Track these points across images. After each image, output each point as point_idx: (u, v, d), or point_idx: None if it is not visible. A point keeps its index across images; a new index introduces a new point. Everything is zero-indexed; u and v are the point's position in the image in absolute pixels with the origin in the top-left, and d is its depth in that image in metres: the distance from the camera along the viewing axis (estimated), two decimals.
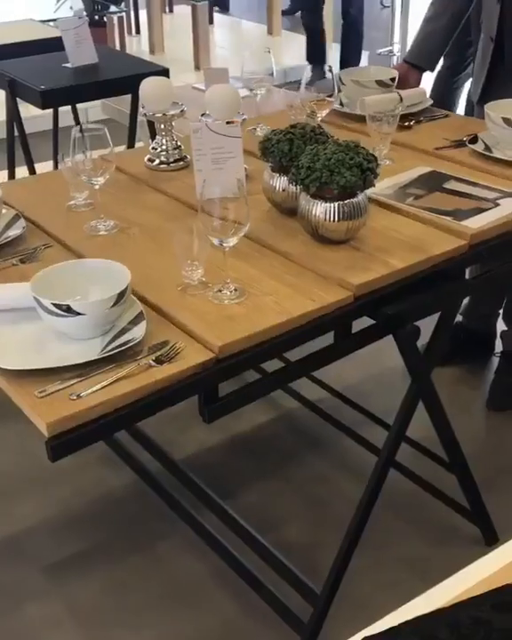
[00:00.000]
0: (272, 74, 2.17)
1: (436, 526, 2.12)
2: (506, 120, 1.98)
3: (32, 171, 2.94)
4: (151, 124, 2.85)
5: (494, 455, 2.39)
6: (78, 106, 3.67)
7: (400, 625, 0.84)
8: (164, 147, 2.03)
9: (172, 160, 2.03)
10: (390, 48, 5.58)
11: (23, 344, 1.39)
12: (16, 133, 2.99)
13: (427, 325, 1.64)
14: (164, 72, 2.76)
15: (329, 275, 1.55)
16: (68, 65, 2.95)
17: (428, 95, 2.43)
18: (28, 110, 3.00)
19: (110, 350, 1.34)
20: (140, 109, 2.07)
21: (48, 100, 2.80)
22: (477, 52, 2.43)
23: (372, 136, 1.97)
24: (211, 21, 6.53)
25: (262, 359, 1.46)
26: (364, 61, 5.37)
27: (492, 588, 0.89)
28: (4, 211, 1.80)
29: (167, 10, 7.16)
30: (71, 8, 4.73)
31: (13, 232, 1.75)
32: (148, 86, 2.01)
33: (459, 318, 2.76)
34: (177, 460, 2.24)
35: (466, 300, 2.73)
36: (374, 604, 1.87)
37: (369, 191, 1.64)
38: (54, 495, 2.27)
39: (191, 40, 5.73)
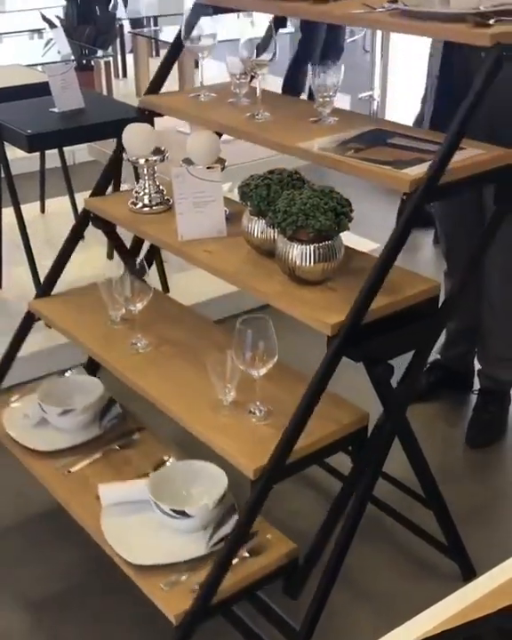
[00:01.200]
0: (214, 39, 2.11)
1: (414, 562, 2.15)
2: None
3: (18, 212, 2.99)
4: (135, 168, 2.91)
5: (472, 491, 2.43)
6: (65, 148, 3.74)
7: None
8: (146, 190, 2.09)
9: (154, 203, 2.09)
10: (371, 93, 5.70)
11: (141, 537, 1.73)
12: (2, 175, 3.05)
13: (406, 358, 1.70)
14: (149, 119, 2.82)
15: (306, 316, 1.61)
16: (55, 109, 3.01)
17: None
18: (14, 152, 3.06)
19: (214, 545, 1.69)
20: (124, 155, 2.13)
21: (34, 143, 2.86)
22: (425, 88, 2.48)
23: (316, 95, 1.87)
24: (196, 65, 6.64)
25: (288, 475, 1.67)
26: (345, 104, 5.48)
27: (465, 622, 0.93)
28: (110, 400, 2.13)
29: (154, 54, 7.29)
30: (59, 52, 4.81)
31: (111, 418, 2.12)
32: (130, 132, 2.07)
33: (437, 356, 2.82)
34: None
35: (442, 339, 2.79)
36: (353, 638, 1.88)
37: (308, 146, 1.71)
38: (40, 528, 2.28)
39: (177, 84, 5.85)
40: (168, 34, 6.42)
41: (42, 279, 3.05)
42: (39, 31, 6.04)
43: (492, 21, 1.54)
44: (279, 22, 2.24)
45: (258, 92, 1.96)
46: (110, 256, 3.49)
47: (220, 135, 2.05)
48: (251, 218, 1.79)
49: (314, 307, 1.62)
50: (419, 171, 1.58)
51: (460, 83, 2.25)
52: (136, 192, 2.10)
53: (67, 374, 2.32)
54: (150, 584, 1.64)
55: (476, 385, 2.78)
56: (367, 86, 5.75)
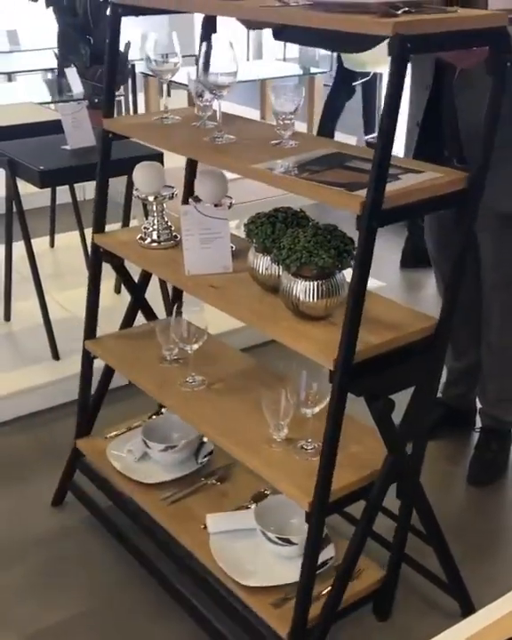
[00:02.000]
0: (177, 62, 2.08)
1: (414, 598, 2.14)
2: None
3: (29, 246, 3.05)
4: (145, 205, 2.97)
5: (473, 529, 2.43)
6: (76, 184, 3.81)
7: None
8: (155, 226, 2.14)
9: (162, 239, 2.13)
10: (376, 135, 5.79)
11: (248, 561, 1.92)
12: (14, 210, 3.11)
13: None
14: (158, 156, 2.89)
15: (309, 351, 1.64)
16: (67, 147, 3.08)
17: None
18: (26, 187, 3.12)
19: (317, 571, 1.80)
20: (134, 191, 2.18)
21: (46, 179, 2.93)
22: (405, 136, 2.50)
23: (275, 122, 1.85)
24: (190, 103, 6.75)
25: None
26: (352, 142, 5.56)
27: None
28: (203, 438, 2.30)
29: (163, 94, 7.41)
30: (70, 92, 4.91)
31: (206, 454, 2.29)
32: (140, 171, 2.13)
33: (438, 395, 2.83)
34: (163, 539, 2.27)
35: (443, 379, 2.81)
36: None
37: (263, 167, 1.69)
38: (38, 563, 2.29)
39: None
40: (180, 75, 6.55)
41: (50, 312, 3.12)
42: (53, 70, 6.17)
43: (400, 11, 1.47)
44: (209, 28, 2.20)
45: (218, 114, 1.93)
46: (118, 290, 3.53)
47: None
48: (256, 254, 1.83)
49: (317, 342, 1.65)
50: None
51: (445, 132, 2.30)
52: (145, 228, 2.15)
53: (163, 412, 2.48)
54: (260, 603, 1.84)
55: (478, 423, 2.80)
56: (374, 128, 5.84)
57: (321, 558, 1.82)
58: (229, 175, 2.14)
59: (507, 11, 1.85)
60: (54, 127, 3.19)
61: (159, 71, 2.09)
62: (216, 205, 1.96)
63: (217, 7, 1.85)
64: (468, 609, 2.07)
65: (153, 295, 2.60)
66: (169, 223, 2.15)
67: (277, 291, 1.77)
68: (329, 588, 1.85)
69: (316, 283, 1.67)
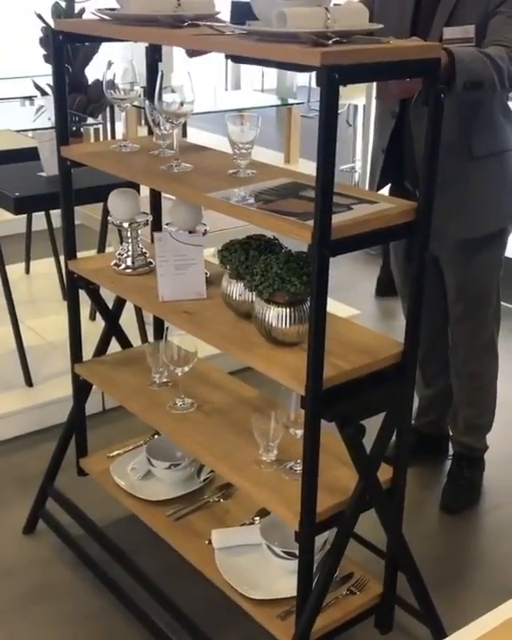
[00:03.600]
0: (138, 86, 2.07)
1: None
2: None
3: (3, 273, 3.05)
4: (120, 231, 2.99)
5: (446, 557, 2.44)
6: (51, 212, 3.82)
7: None
8: (129, 253, 2.15)
9: (137, 265, 2.15)
10: (353, 165, 5.86)
11: (254, 575, 1.95)
12: None
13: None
14: (134, 184, 2.91)
15: (281, 377, 1.65)
16: (43, 174, 3.10)
17: None
18: (1, 214, 3.13)
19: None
20: (109, 218, 2.19)
21: (21, 206, 2.94)
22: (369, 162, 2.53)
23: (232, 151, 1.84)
24: (184, 135, 6.82)
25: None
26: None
27: None
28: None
29: (142, 123, 7.47)
30: (49, 119, 4.93)
31: (207, 473, 2.31)
32: (115, 197, 2.14)
33: (411, 421, 2.85)
34: (141, 568, 2.25)
35: (415, 406, 2.82)
36: None
37: (217, 196, 1.69)
38: (8, 594, 2.26)
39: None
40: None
41: (24, 339, 3.11)
42: (30, 98, 6.20)
43: (330, 42, 1.45)
44: (154, 56, 2.20)
45: (175, 142, 1.94)
46: (93, 317, 3.53)
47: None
48: (230, 281, 1.85)
49: (289, 368, 1.66)
50: None
51: (408, 157, 2.33)
52: (119, 254, 2.16)
53: None
54: (266, 615, 1.87)
55: (451, 450, 2.82)
56: (348, 159, 5.91)
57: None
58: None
59: (458, 39, 1.88)
60: (31, 154, 3.20)
61: (124, 99, 2.09)
62: (191, 232, 1.97)
63: (155, 36, 1.86)
64: (440, 635, 2.07)
65: (128, 322, 2.60)
66: (143, 250, 2.16)
67: (250, 317, 1.78)
68: (331, 600, 1.90)
69: (288, 309, 1.69)
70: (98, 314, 2.76)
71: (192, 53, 2.06)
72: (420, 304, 1.75)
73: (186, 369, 2.11)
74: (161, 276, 1.96)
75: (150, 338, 3.25)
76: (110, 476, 2.33)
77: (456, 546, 2.50)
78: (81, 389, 2.40)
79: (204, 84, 9.18)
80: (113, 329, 2.42)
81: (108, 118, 6.93)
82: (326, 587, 1.81)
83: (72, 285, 2.28)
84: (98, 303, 2.35)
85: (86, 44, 5.87)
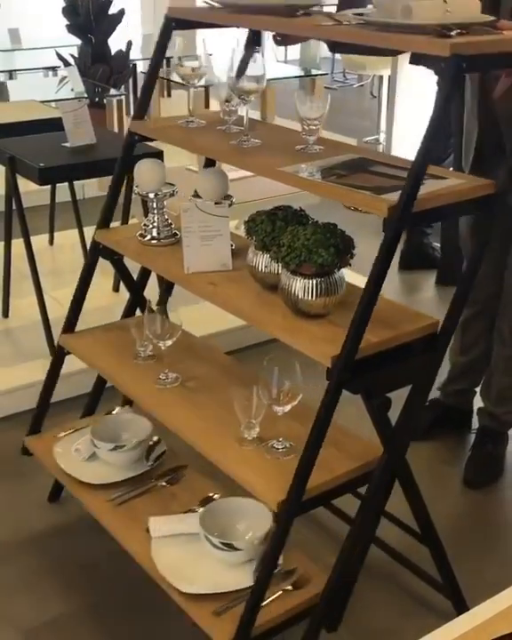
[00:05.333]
0: (205, 66, 2.13)
1: (408, 598, 2.15)
2: None
3: (28, 243, 3.05)
4: (144, 202, 2.98)
5: (468, 530, 2.44)
6: (75, 183, 3.82)
7: None
8: (155, 224, 2.14)
9: (162, 236, 2.14)
10: (377, 136, 5.81)
11: (191, 567, 1.84)
12: (14, 207, 3.11)
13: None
14: (158, 154, 2.90)
15: (307, 348, 1.64)
16: (67, 144, 3.09)
17: None
18: (26, 185, 3.13)
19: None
20: (134, 189, 2.18)
21: (46, 176, 2.93)
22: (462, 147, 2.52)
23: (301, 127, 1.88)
24: (207, 106, 6.78)
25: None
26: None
27: None
28: (155, 438, 2.25)
29: (165, 94, 7.43)
30: (72, 90, 4.92)
31: (158, 454, 2.22)
32: (141, 168, 2.13)
33: (436, 394, 2.84)
34: None
35: (443, 376, 2.82)
36: None
37: (291, 170, 1.73)
38: (35, 558, 2.29)
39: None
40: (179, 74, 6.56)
41: (48, 309, 3.12)
42: (54, 69, 6.19)
43: (453, 33, 1.54)
44: (254, 40, 2.21)
45: (245, 118, 1.97)
46: (116, 288, 3.54)
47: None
48: (256, 252, 1.84)
49: (315, 339, 1.66)
50: (396, 197, 1.58)
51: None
52: (145, 225, 2.15)
53: (115, 412, 2.43)
54: (200, 611, 1.76)
55: (475, 424, 2.81)
56: (373, 131, 5.86)
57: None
58: (231, 175, 2.15)
59: None
60: (55, 125, 3.19)
61: (192, 76, 2.15)
62: (217, 203, 1.96)
63: (276, 25, 1.93)
64: (461, 609, 2.07)
65: (152, 293, 2.60)
66: (169, 221, 2.15)
67: (276, 289, 1.78)
68: (273, 596, 1.79)
69: (315, 281, 1.68)
70: (122, 285, 2.76)
71: (281, 42, 2.11)
72: (472, 282, 1.76)
73: (169, 342, 2.06)
74: (186, 246, 1.95)
75: (176, 308, 3.26)
76: (52, 457, 2.25)
77: (478, 520, 2.50)
78: (59, 363, 2.36)
79: (228, 53, 9.13)
80: (137, 300, 2.42)
81: (131, 89, 6.90)
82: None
83: (93, 255, 2.27)
84: (122, 274, 2.35)
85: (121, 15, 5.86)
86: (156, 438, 2.26)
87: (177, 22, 2.07)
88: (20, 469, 2.64)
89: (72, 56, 6.22)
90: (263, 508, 1.84)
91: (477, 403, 2.79)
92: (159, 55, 2.13)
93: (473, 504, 2.57)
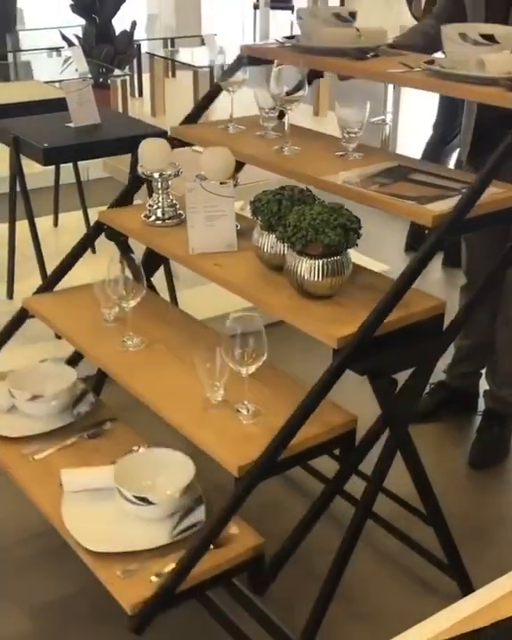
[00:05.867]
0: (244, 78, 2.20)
1: (413, 579, 2.15)
2: (462, 36, 1.90)
3: (32, 224, 3.04)
4: (149, 183, 2.97)
5: (473, 512, 2.44)
6: (79, 163, 3.80)
7: None
8: (159, 204, 2.13)
9: (167, 217, 2.13)
10: (383, 117, 5.77)
11: (103, 524, 1.69)
12: (18, 188, 3.10)
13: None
14: (163, 134, 2.87)
15: (312, 330, 1.63)
16: (71, 125, 3.07)
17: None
18: (30, 166, 3.11)
19: (178, 534, 1.66)
20: (139, 168, 2.17)
21: (50, 157, 2.91)
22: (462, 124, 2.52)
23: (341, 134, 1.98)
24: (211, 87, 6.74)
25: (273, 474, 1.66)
26: None
27: (459, 634, 0.94)
28: (78, 387, 2.12)
29: (170, 74, 7.39)
30: (76, 70, 4.88)
31: (85, 408, 2.10)
32: (145, 147, 2.11)
33: (442, 376, 2.83)
34: None
35: (449, 359, 2.81)
36: None
37: (335, 179, 1.76)
38: (37, 542, 2.30)
39: (192, 104, 5.92)
40: (184, 55, 6.53)
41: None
42: (58, 49, 6.15)
43: None
44: (316, 73, 2.29)
45: (286, 126, 2.04)
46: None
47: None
48: (261, 232, 1.82)
49: (321, 320, 1.65)
50: (442, 206, 1.67)
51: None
52: (149, 205, 2.14)
53: (41, 363, 2.29)
54: (107, 572, 1.60)
55: (481, 406, 2.80)
56: (379, 111, 5.81)
57: (189, 521, 1.68)
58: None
59: None
60: (59, 105, 3.17)
61: (235, 83, 2.22)
62: (222, 183, 1.95)
63: (347, 68, 2.06)
64: (467, 590, 2.08)
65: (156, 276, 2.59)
66: (174, 201, 2.14)
67: (282, 269, 1.76)
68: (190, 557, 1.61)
69: (321, 261, 1.67)
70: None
71: (344, 78, 2.22)
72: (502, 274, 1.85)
73: (132, 303, 1.97)
74: (191, 227, 1.94)
75: (178, 292, 3.25)
76: None
77: (484, 501, 2.50)
78: (16, 325, 2.32)
79: (233, 33, 9.04)
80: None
81: (135, 69, 6.87)
82: (350, 549, 1.80)
83: (95, 232, 2.27)
84: (127, 256, 2.33)
85: None
86: (82, 389, 2.13)
87: (250, 59, 2.20)
88: None
89: (76, 36, 6.18)
90: (186, 461, 1.73)
91: (483, 385, 2.78)
92: (223, 79, 2.22)
93: (478, 485, 2.56)
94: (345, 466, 1.81)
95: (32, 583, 2.16)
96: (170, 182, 2.14)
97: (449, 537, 2.03)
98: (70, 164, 3.73)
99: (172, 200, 2.14)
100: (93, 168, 4.64)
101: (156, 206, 2.13)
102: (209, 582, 1.64)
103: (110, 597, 2.08)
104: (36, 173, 3.78)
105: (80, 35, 6.17)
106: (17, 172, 3.05)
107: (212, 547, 1.62)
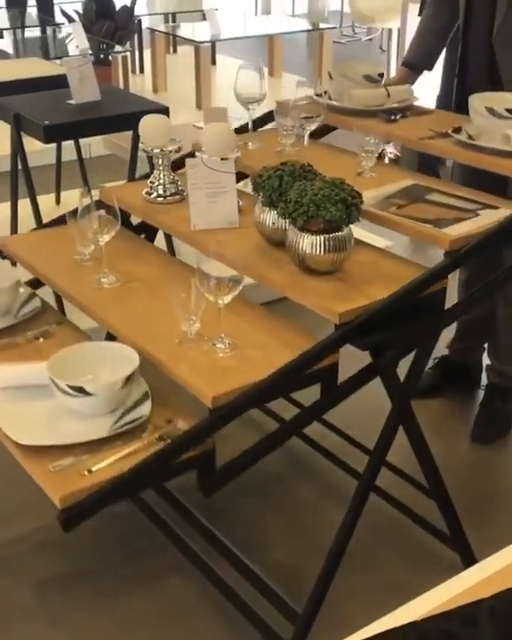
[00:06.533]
0: (264, 93, 2.24)
1: (416, 552, 2.17)
2: (489, 109, 2.01)
3: (34, 203, 3.04)
4: (150, 160, 2.96)
5: (476, 485, 2.45)
6: (81, 141, 3.79)
7: (373, 636, 0.90)
8: (161, 180, 2.13)
9: (168, 193, 2.13)
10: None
11: (37, 420, 1.54)
12: (20, 167, 3.09)
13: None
14: (164, 110, 2.87)
15: (314, 305, 1.64)
16: (72, 102, 3.06)
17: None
18: (32, 144, 3.10)
19: (119, 428, 1.50)
20: (140, 145, 2.16)
21: (51, 134, 2.91)
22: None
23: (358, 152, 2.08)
24: (213, 62, 6.69)
25: (250, 407, 1.59)
26: None
27: (461, 604, 0.95)
28: (21, 290, 2.01)
29: (171, 50, 7.34)
30: (77, 47, 4.85)
31: (30, 309, 1.98)
32: (147, 123, 2.11)
33: (445, 352, 2.84)
34: (169, 487, 2.29)
35: (452, 335, 2.81)
36: (353, 625, 1.90)
37: None
38: (46, 517, 2.32)
39: (193, 80, 5.90)
40: (185, 30, 6.48)
41: None
42: (58, 25, 6.10)
43: None
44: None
45: (305, 141, 2.15)
46: None
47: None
48: (263, 208, 1.82)
49: (323, 295, 1.65)
50: (458, 230, 1.75)
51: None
52: (151, 182, 2.14)
53: None
54: (37, 466, 1.48)
55: (484, 381, 2.81)
56: None
57: (131, 417, 1.57)
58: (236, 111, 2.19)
59: None
60: (59, 82, 3.16)
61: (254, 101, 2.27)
62: (223, 159, 1.94)
63: (378, 131, 2.13)
64: (469, 562, 2.10)
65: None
66: (175, 178, 2.14)
67: (283, 246, 1.77)
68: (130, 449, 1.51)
69: (322, 237, 1.67)
70: None
71: None
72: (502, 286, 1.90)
73: (106, 237, 1.90)
74: (193, 203, 1.94)
75: None
76: None
77: (486, 475, 2.51)
78: None
79: (234, 8, 8.97)
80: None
81: (136, 45, 6.83)
82: (354, 521, 1.79)
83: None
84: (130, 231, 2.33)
85: None
86: (28, 294, 2.04)
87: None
88: None
89: (76, 12, 6.13)
90: (129, 353, 1.63)
91: (486, 360, 2.79)
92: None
93: (481, 459, 2.58)
94: (327, 398, 1.75)
95: (36, 554, 2.19)
96: (170, 158, 2.14)
97: (451, 509, 2.04)
98: (72, 142, 3.73)
99: (173, 176, 2.14)
100: (95, 146, 4.63)
101: (157, 183, 2.13)
102: (149, 475, 1.49)
103: (114, 573, 2.12)
104: (38, 151, 3.77)
105: (80, 11, 6.12)
106: (18, 150, 3.05)
107: (158, 438, 1.53)
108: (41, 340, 1.90)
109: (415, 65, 2.53)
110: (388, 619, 0.99)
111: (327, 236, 1.67)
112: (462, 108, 2.26)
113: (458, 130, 2.10)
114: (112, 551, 2.21)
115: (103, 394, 1.54)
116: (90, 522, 2.29)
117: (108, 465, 1.44)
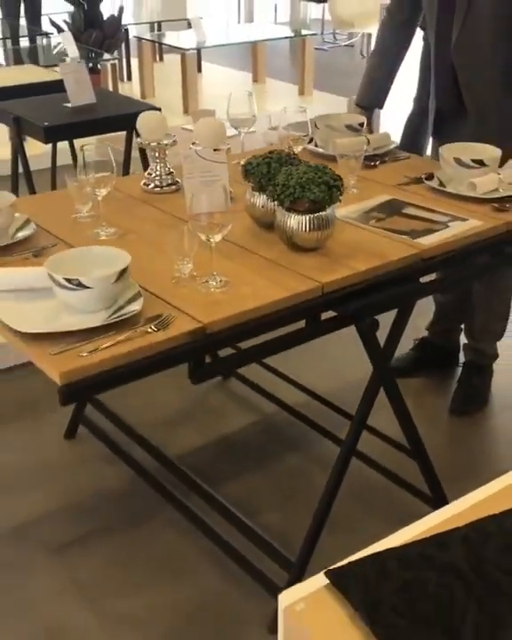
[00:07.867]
0: (254, 115, 2.39)
1: (400, 512, 2.34)
2: (457, 160, 2.25)
3: None
4: (144, 159, 3.13)
5: (455, 455, 2.63)
6: (75, 144, 3.95)
7: (358, 559, 1.04)
8: (157, 172, 2.30)
9: (164, 184, 2.30)
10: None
11: (38, 314, 1.62)
12: (21, 170, 3.26)
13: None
14: (158, 109, 3.04)
15: (302, 273, 1.82)
16: (69, 104, 3.23)
17: (397, 138, 2.72)
18: (28, 149, 3.26)
19: (114, 318, 1.59)
20: (137, 140, 2.34)
21: (51, 135, 3.08)
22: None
23: (340, 171, 2.15)
24: (199, 70, 6.89)
25: (242, 337, 1.72)
26: (341, 107, 5.70)
27: (438, 532, 1.05)
28: (16, 214, 2.04)
29: (158, 58, 7.53)
30: (67, 55, 5.03)
31: (25, 233, 2.00)
32: (144, 120, 2.29)
33: (425, 333, 3.03)
34: (169, 456, 2.46)
35: (430, 318, 3.00)
36: None
37: (337, 214, 1.93)
38: (56, 488, 2.49)
39: (180, 87, 6.08)
40: (171, 38, 6.67)
41: None
42: (47, 34, 6.28)
43: (508, 205, 2.10)
44: None
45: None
46: None
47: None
48: (253, 193, 2.00)
49: (308, 269, 1.82)
50: (430, 240, 1.97)
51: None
52: (148, 174, 2.31)
53: None
54: (38, 350, 1.53)
55: (461, 359, 2.99)
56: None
57: (126, 311, 1.62)
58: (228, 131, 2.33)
59: None
60: (56, 87, 3.33)
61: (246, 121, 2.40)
62: (215, 150, 2.12)
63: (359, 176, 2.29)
64: None
65: None
66: (171, 169, 2.31)
67: (273, 227, 1.94)
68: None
69: (308, 216, 1.85)
70: None
71: None
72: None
73: (103, 192, 1.99)
74: (188, 191, 2.11)
75: None
76: None
77: (464, 446, 2.69)
78: None
79: (218, 16, 9.16)
80: None
81: (123, 54, 7.01)
82: (338, 481, 1.97)
83: None
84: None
85: None
86: (22, 218, 2.05)
87: None
88: (38, 412, 2.83)
89: (65, 22, 6.31)
90: (121, 254, 1.70)
91: (463, 340, 2.97)
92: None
93: (459, 432, 2.76)
94: (314, 326, 1.94)
95: (49, 527, 2.35)
96: (167, 152, 2.31)
97: (431, 469, 2.22)
98: (67, 146, 3.89)
99: (169, 168, 2.31)
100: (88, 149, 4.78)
101: (154, 175, 2.30)
102: (146, 363, 1.55)
103: (126, 536, 2.26)
104: (34, 156, 3.94)
105: (69, 20, 6.30)
106: (19, 151, 3.21)
107: (149, 330, 1.58)
108: (36, 258, 1.90)
109: (365, 106, 2.74)
110: (372, 548, 1.10)
111: (312, 215, 1.84)
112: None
113: (430, 176, 2.31)
114: (120, 518, 2.38)
115: (98, 287, 1.60)
116: (98, 493, 2.48)
117: (104, 348, 1.52)
